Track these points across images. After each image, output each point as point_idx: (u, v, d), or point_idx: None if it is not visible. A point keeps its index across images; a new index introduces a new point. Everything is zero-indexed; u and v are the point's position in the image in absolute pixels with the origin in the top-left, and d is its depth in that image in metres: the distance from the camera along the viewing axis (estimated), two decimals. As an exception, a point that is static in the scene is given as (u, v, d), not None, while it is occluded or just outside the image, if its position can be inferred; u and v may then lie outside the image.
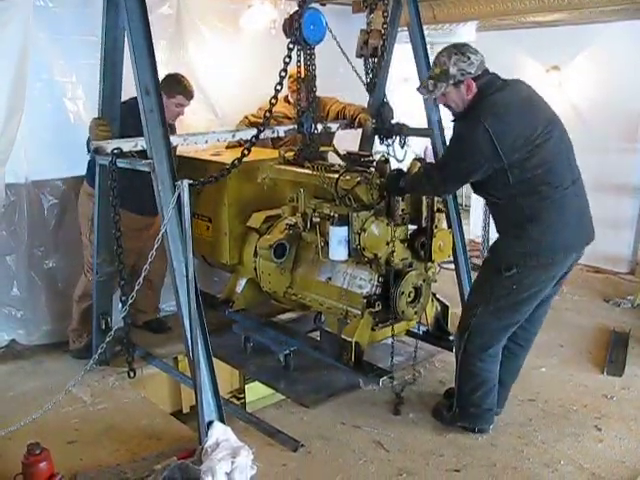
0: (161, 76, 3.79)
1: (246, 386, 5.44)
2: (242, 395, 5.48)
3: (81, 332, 4.92)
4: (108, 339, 3.74)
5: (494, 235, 3.79)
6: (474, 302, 3.84)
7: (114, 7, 3.92)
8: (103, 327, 4.63)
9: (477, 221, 7.58)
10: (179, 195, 3.43)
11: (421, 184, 3.85)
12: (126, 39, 3.73)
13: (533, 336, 4.03)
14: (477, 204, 7.72)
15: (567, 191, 3.50)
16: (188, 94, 4.84)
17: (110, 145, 4.01)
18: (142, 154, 3.86)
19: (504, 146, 3.35)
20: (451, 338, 4.58)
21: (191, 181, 3.47)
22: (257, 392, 5.30)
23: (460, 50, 3.49)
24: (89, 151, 4.33)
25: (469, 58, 3.46)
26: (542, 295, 3.72)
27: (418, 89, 3.67)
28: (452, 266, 5.29)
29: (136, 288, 3.57)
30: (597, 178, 7.08)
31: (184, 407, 5.14)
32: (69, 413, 4.16)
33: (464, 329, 3.84)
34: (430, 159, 5.41)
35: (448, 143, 3.77)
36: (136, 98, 4.07)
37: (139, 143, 4.03)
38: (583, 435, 3.95)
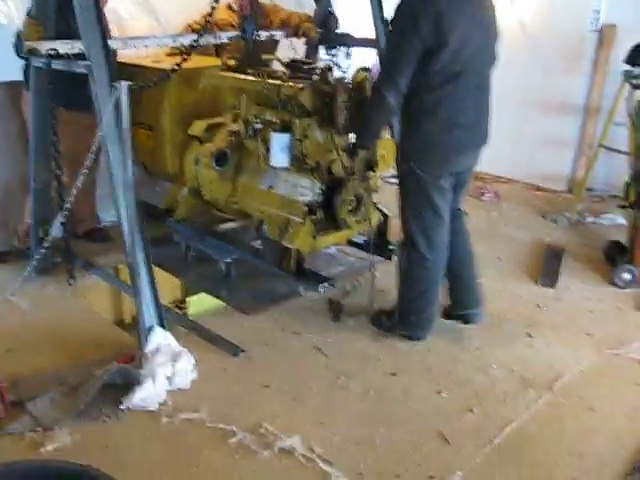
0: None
1: (187, 299, 5.44)
2: (183, 305, 5.49)
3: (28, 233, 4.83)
4: (47, 245, 3.70)
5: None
6: (402, 209, 3.89)
7: None
8: (42, 235, 4.55)
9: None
10: (117, 98, 3.35)
11: (372, 104, 3.69)
12: None
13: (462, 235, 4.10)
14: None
15: (467, 95, 3.60)
16: None
17: (45, 46, 3.88)
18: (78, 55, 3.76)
19: (445, 24, 3.38)
20: (391, 247, 4.65)
21: (130, 83, 3.39)
22: (199, 305, 5.30)
23: None
24: (17, 53, 4.20)
25: None
26: (448, 190, 3.80)
27: None
28: (396, 181, 5.30)
29: (74, 192, 3.52)
30: (541, 97, 7.17)
31: (126, 317, 5.12)
32: (8, 322, 4.11)
33: (404, 238, 3.93)
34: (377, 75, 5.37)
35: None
36: None
37: (75, 45, 3.90)
38: (515, 342, 4.08)
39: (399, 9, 3.52)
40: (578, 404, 3.52)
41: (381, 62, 3.65)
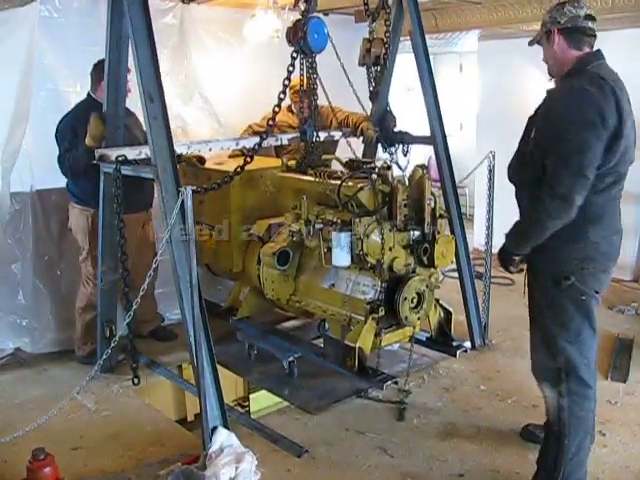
0: (166, 85, 3.81)
1: (250, 396, 5.44)
2: (246, 404, 5.49)
3: (85, 341, 4.96)
4: (113, 345, 3.76)
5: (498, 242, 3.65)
6: (551, 337, 3.25)
7: (119, 17, 3.99)
8: (107, 335, 4.64)
9: (481, 230, 7.63)
10: (183, 201, 3.45)
11: (553, 212, 3.03)
12: (130, 48, 3.78)
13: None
14: (480, 212, 7.71)
15: (620, 199, 3.26)
16: None
17: (114, 153, 4.06)
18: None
19: (622, 111, 2.98)
20: (454, 344, 4.59)
21: (194, 187, 3.50)
22: (261, 402, 5.30)
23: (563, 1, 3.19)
24: (60, 163, 4.55)
25: (563, 7, 3.13)
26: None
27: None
28: (456, 274, 5.28)
29: (141, 294, 3.60)
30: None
31: (188, 415, 5.14)
32: (74, 420, 4.18)
33: (558, 371, 3.26)
34: (433, 169, 5.43)
35: (549, 125, 3.08)
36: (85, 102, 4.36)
37: (143, 151, 4.08)
38: (587, 440, 3.95)
39: (573, 98, 3.02)
40: (661, 509, 3.36)
41: (559, 162, 2.98)
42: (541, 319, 3.32)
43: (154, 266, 3.60)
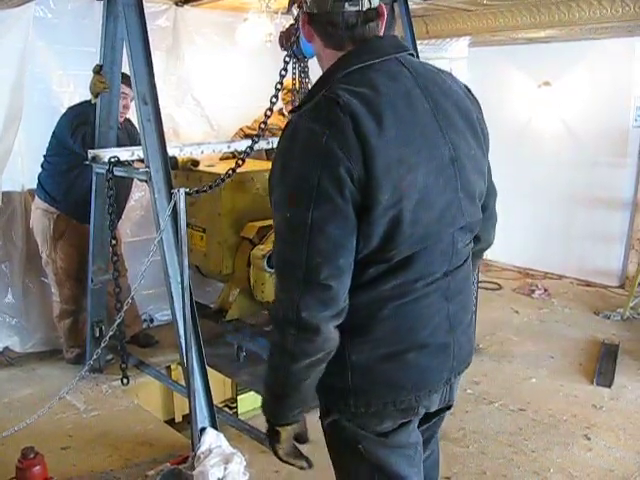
0: (159, 86, 3.82)
1: (238, 397, 5.46)
2: (234, 405, 5.50)
3: (71, 345, 4.95)
4: (103, 345, 3.77)
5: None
6: None
7: (113, 18, 4.00)
8: (97, 335, 4.65)
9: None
10: (175, 203, 3.47)
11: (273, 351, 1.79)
12: (124, 49, 3.80)
13: None
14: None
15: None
16: (127, 80, 4.08)
17: (107, 154, 4.07)
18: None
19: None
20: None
21: (187, 189, 3.52)
22: (249, 404, 5.32)
23: None
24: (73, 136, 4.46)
25: None
26: None
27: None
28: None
29: (132, 293, 3.62)
30: (589, 193, 7.20)
31: (176, 416, 5.16)
32: (62, 419, 4.18)
33: None
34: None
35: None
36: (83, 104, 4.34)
37: (136, 152, 4.09)
38: (572, 444, 3.99)
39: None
40: (643, 513, 3.41)
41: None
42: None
43: (143, 270, 3.61)
